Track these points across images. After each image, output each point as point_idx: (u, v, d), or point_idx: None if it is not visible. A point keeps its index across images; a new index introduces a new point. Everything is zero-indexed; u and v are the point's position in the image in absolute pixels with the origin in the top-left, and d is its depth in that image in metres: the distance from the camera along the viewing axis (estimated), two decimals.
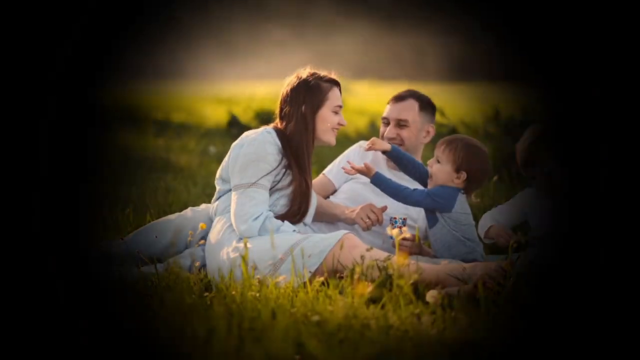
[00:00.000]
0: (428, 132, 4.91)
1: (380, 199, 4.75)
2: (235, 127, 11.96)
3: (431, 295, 3.65)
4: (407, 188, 4.45)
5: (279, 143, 4.29)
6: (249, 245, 4.07)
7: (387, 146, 4.55)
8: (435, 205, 4.42)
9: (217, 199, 4.43)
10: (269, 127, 4.38)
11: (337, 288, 3.68)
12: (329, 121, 4.38)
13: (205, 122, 13.80)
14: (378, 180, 4.48)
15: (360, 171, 4.49)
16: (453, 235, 4.43)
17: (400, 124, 4.83)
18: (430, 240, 4.54)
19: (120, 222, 5.20)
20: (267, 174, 4.25)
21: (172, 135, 11.21)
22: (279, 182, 4.29)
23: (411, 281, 3.59)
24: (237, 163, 4.27)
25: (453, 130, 8.29)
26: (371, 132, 10.71)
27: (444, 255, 4.46)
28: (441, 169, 4.46)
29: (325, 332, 3.14)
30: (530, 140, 4.33)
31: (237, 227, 4.20)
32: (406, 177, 4.71)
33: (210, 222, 4.49)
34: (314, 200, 4.47)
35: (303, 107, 4.33)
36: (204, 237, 4.48)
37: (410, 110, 4.84)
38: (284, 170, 4.29)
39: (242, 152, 4.27)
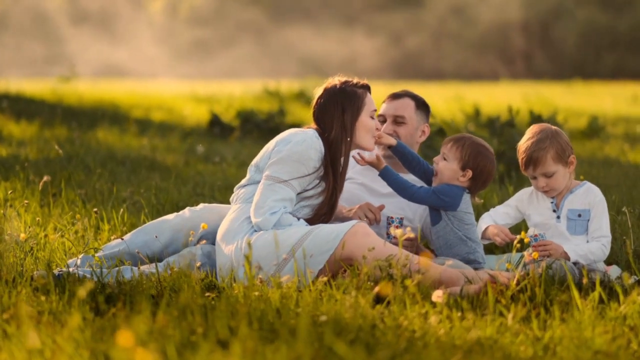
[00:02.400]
0: (423, 131, 4.92)
1: (376, 200, 4.76)
2: (217, 127, 11.90)
3: (437, 295, 3.65)
4: (414, 185, 4.46)
5: (323, 150, 4.29)
6: (253, 243, 4.06)
7: (392, 141, 4.57)
8: (440, 203, 4.42)
9: (245, 185, 4.40)
10: (314, 129, 4.36)
11: (341, 288, 3.67)
12: (369, 126, 4.39)
13: (186, 121, 13.72)
14: (386, 174, 4.49)
15: (371, 163, 4.51)
16: (456, 234, 4.43)
17: (398, 120, 4.84)
18: (432, 238, 4.54)
19: (114, 221, 5.16)
20: (302, 177, 4.23)
21: (154, 134, 11.13)
22: (309, 190, 4.29)
23: (415, 281, 3.59)
24: (277, 156, 4.25)
25: (440, 130, 8.30)
26: None
27: (445, 253, 4.46)
28: (447, 166, 4.47)
29: (335, 332, 3.13)
30: (533, 140, 4.35)
31: (254, 217, 4.19)
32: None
33: (219, 219, 4.46)
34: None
35: (344, 115, 4.34)
36: (204, 237, 4.46)
37: (407, 108, 4.85)
38: (317, 180, 4.29)
39: (287, 148, 4.24)
